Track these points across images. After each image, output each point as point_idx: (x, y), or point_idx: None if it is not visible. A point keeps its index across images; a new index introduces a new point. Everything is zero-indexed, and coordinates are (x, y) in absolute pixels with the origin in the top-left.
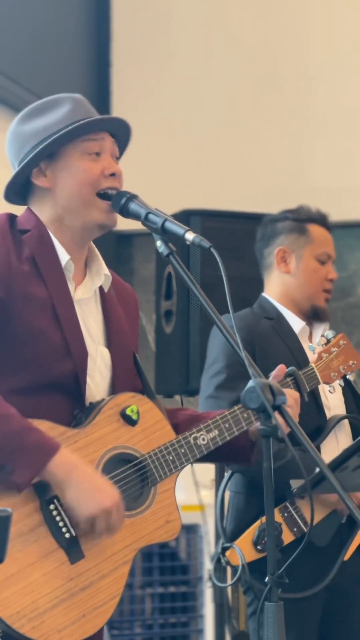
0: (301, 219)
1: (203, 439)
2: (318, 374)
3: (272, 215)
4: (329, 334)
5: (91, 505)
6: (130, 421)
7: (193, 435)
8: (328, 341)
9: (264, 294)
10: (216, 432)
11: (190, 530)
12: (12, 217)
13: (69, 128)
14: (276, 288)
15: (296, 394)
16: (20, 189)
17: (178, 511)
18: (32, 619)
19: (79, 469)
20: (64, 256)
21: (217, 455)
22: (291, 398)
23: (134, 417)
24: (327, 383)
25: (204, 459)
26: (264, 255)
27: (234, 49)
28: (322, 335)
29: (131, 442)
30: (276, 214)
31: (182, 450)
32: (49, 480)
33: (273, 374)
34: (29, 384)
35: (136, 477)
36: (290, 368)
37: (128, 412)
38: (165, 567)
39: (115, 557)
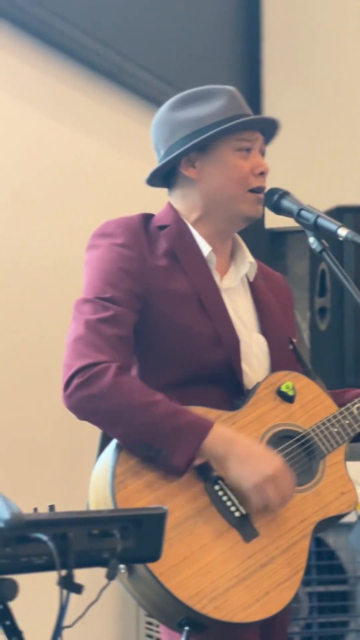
0: None
1: None
2: None
3: None
4: None
5: (255, 475)
6: (287, 398)
7: (356, 406)
8: None
9: None
10: None
11: (351, 527)
12: (147, 217)
13: (227, 125)
14: None
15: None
16: (164, 174)
17: (352, 482)
18: (213, 599)
19: (236, 441)
20: (205, 248)
21: None
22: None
23: (290, 393)
24: None
25: None
26: None
27: None
28: None
29: (292, 418)
30: None
31: (347, 422)
32: (208, 459)
33: None
34: (181, 377)
35: (302, 452)
36: None
37: (283, 388)
38: (322, 566)
39: (292, 532)
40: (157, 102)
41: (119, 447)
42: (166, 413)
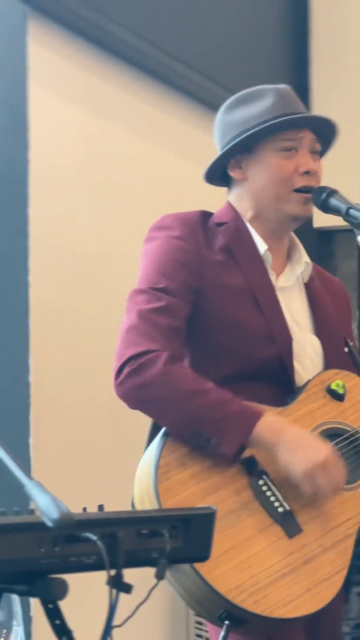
0: None
1: None
2: None
3: None
4: None
5: (304, 463)
6: (337, 396)
7: None
8: None
9: None
10: None
11: None
12: (205, 214)
13: (265, 125)
14: None
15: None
16: (221, 174)
17: None
18: (253, 593)
19: (286, 430)
20: (261, 246)
21: None
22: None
23: (340, 391)
24: None
25: None
26: None
27: None
28: None
29: (341, 416)
30: None
31: None
32: (258, 446)
33: None
34: (233, 372)
35: (350, 450)
36: None
37: (333, 386)
38: None
39: (337, 530)
40: (205, 103)
41: (164, 439)
42: (216, 401)
